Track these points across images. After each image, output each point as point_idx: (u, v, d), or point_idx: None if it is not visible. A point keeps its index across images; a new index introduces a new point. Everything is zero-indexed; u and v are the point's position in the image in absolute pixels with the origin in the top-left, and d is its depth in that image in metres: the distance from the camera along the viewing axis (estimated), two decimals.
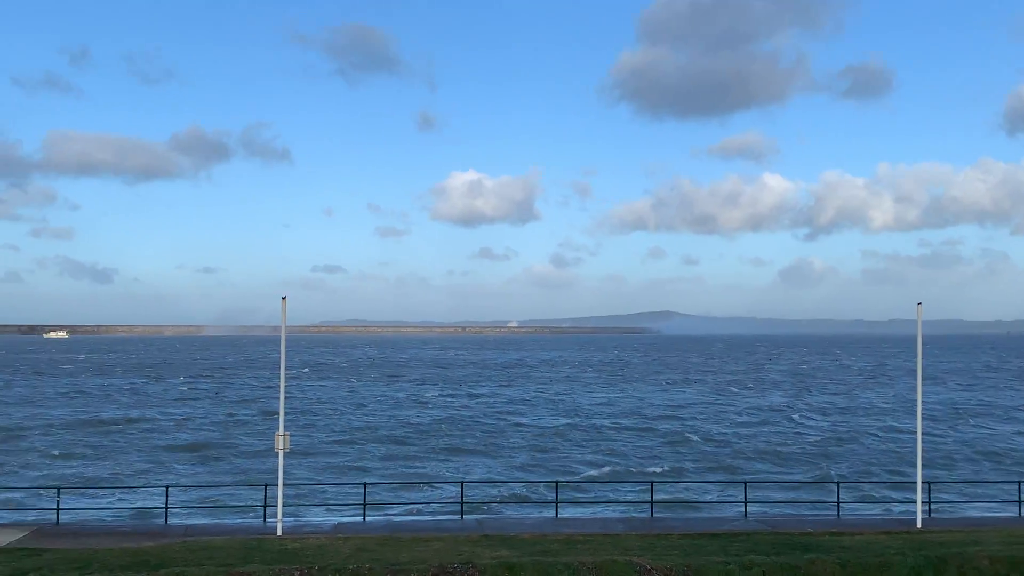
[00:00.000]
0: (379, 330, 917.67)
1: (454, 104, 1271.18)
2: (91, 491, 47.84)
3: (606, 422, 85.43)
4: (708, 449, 68.64)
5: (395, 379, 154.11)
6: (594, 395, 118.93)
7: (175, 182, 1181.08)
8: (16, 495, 46.67)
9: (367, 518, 34.57)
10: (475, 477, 54.10)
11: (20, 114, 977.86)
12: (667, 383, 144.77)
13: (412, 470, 57.97)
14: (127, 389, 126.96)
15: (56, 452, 65.14)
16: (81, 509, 40.74)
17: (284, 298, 30.26)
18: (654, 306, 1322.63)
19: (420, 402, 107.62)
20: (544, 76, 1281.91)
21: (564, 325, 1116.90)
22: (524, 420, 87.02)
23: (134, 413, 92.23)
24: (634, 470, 58.42)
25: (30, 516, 38.85)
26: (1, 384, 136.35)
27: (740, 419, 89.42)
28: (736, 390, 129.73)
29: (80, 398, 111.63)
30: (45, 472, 56.70)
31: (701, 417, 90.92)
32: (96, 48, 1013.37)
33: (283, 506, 30.66)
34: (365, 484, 36.74)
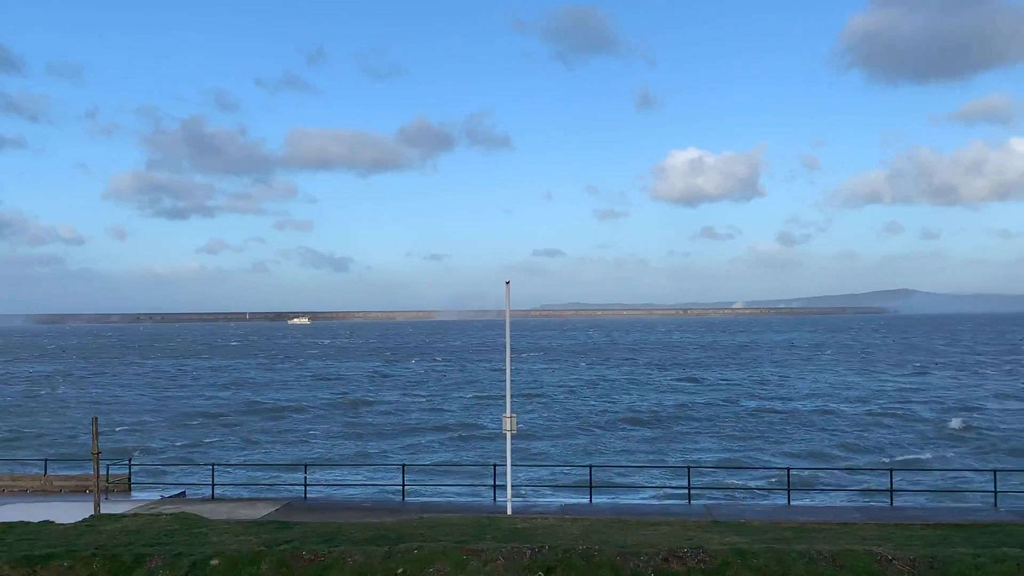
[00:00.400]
0: (599, 313, 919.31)
1: (674, 81, 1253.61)
2: (336, 468, 50.91)
3: (846, 406, 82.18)
4: (957, 435, 64.74)
5: (624, 362, 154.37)
6: (833, 378, 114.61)
7: (403, 173, 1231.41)
8: (270, 472, 50.36)
9: (593, 500, 34.88)
10: (705, 462, 53.56)
11: (263, 113, 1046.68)
12: (913, 366, 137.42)
13: (642, 453, 58.02)
14: (369, 372, 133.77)
15: (315, 431, 69.68)
16: (327, 485, 43.46)
17: (508, 283, 30.91)
18: (891, 284, 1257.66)
19: (650, 386, 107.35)
20: (767, 47, 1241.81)
21: (793, 305, 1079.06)
22: (758, 404, 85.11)
23: (376, 395, 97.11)
24: (877, 457, 55.98)
25: (282, 492, 41.82)
26: (259, 367, 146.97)
27: (992, 404, 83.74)
28: (990, 372, 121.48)
29: (331, 380, 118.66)
30: (297, 450, 60.79)
31: (950, 401, 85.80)
32: (330, 48, 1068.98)
33: (512, 486, 31.44)
34: (591, 467, 37.07)
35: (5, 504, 34.14)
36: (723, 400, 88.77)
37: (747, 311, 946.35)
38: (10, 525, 26.56)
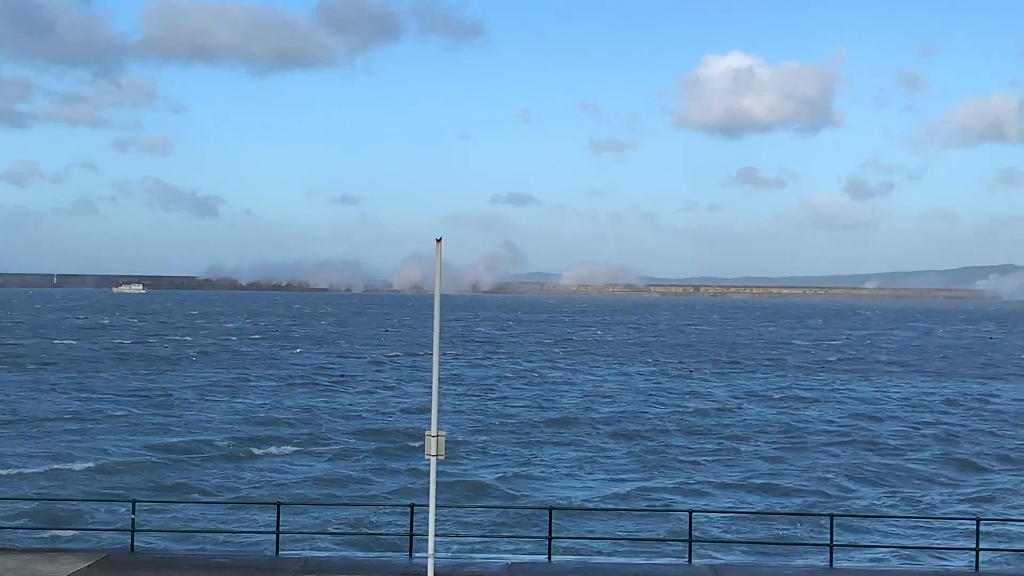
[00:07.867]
0: (577, 290, 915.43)
1: None
2: (177, 505, 49.08)
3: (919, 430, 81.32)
4: None
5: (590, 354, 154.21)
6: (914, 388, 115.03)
7: (321, 71, 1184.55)
8: (84, 507, 48.07)
9: (552, 556, 33.63)
10: (711, 505, 52.60)
11: None
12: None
13: (621, 487, 57.14)
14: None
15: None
16: (163, 531, 42.18)
17: (439, 240, 28.77)
18: (991, 257, 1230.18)
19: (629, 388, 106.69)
20: None
21: (849, 283, 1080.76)
22: (802, 422, 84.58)
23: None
24: (949, 498, 55.38)
25: (101, 538, 40.11)
26: None
27: None
28: None
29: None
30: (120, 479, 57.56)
31: None
32: None
33: (435, 536, 29.53)
34: (551, 509, 35.45)
35: None
36: (736, 415, 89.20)
37: (784, 290, 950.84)
38: None
